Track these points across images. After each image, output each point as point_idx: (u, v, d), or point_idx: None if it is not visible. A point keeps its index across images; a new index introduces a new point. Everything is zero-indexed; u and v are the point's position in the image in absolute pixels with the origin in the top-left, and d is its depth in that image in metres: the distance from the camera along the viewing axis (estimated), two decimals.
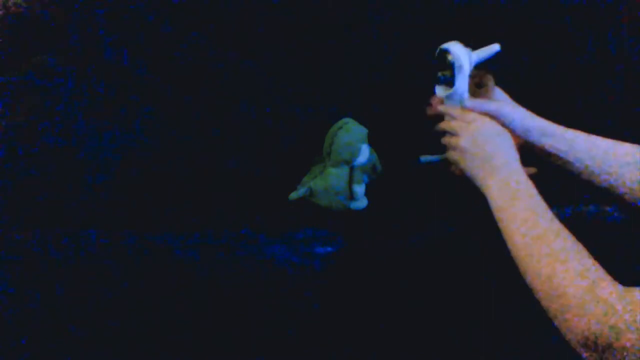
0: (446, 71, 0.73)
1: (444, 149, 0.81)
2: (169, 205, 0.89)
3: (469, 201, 0.81)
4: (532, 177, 0.78)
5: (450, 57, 0.72)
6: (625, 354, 0.48)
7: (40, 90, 0.92)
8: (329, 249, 0.84)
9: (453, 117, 0.73)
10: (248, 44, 0.94)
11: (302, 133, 0.93)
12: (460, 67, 0.72)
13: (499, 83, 0.76)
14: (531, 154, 0.75)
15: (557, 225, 0.61)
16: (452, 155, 0.72)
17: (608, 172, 0.70)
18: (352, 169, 0.75)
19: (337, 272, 0.85)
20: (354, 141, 0.76)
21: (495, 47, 0.74)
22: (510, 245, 0.62)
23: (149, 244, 0.84)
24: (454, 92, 0.73)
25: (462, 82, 0.73)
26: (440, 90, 0.77)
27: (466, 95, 0.74)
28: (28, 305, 0.83)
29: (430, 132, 0.77)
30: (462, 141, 0.70)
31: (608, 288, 0.52)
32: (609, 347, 0.49)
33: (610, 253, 0.80)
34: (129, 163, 0.92)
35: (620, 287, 0.53)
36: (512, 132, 0.73)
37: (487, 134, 0.69)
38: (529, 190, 0.65)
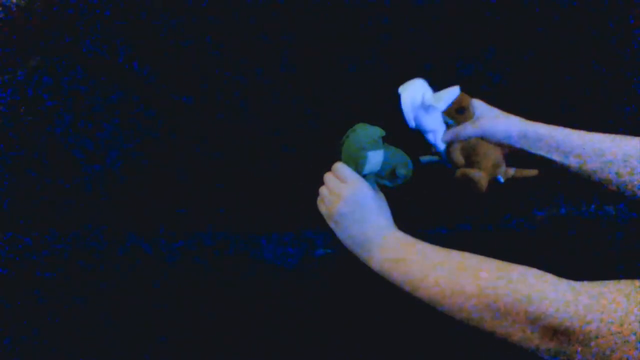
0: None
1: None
2: (169, 206, 0.89)
3: (469, 202, 0.81)
4: (532, 178, 0.78)
5: None
6: (591, 344, 0.47)
7: (40, 90, 0.92)
8: (329, 250, 0.84)
9: (325, 185, 0.72)
10: (253, 44, 0.94)
11: (303, 133, 0.93)
12: (407, 113, 0.73)
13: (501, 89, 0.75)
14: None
15: (450, 252, 0.61)
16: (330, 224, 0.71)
17: (609, 170, 0.67)
18: (364, 177, 0.72)
19: (337, 273, 0.85)
20: (357, 150, 0.71)
21: (454, 91, 0.72)
22: (428, 297, 0.60)
23: (148, 245, 0.84)
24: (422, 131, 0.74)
25: (425, 123, 0.74)
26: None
27: (438, 134, 0.74)
28: (28, 306, 0.83)
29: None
30: (334, 216, 0.68)
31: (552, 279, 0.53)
32: (572, 334, 0.49)
33: (610, 253, 0.81)
34: (129, 163, 0.92)
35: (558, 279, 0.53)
36: (501, 144, 0.71)
37: (354, 204, 0.67)
38: (410, 241, 0.64)
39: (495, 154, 0.75)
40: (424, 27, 0.94)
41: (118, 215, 0.88)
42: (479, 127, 0.71)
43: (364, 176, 0.71)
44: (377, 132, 0.73)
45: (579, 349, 0.49)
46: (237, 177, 0.91)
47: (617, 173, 0.66)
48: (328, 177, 0.72)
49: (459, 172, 0.77)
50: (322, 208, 0.71)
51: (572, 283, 0.52)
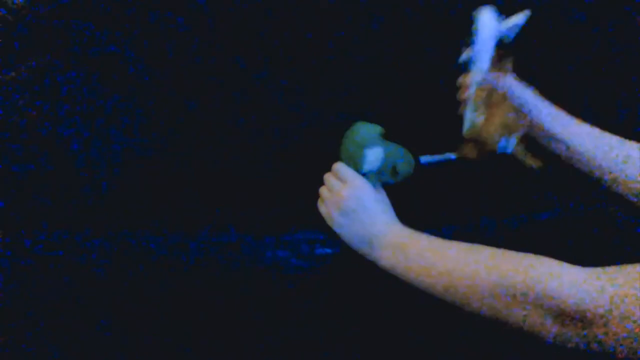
0: (471, 36, 0.74)
1: (444, 149, 0.81)
2: (168, 206, 0.89)
3: (470, 202, 0.81)
4: (534, 178, 0.78)
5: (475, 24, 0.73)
6: (606, 328, 0.47)
7: (40, 90, 0.92)
8: (329, 250, 0.84)
9: (325, 185, 0.72)
10: (252, 43, 0.94)
11: (304, 133, 0.93)
12: (477, 33, 0.73)
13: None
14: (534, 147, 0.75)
15: (460, 244, 0.61)
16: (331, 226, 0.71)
17: (609, 168, 0.69)
18: (364, 175, 0.72)
19: (337, 273, 0.85)
20: (356, 148, 0.71)
21: (522, 15, 0.73)
22: (439, 290, 0.60)
23: (149, 245, 0.84)
24: (472, 56, 0.74)
25: (480, 47, 0.73)
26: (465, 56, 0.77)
27: (485, 65, 0.74)
28: (27, 306, 0.83)
29: (433, 131, 0.77)
30: (336, 217, 0.68)
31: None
32: (587, 318, 0.48)
33: (610, 253, 0.81)
34: (129, 163, 0.92)
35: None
36: (521, 108, 0.73)
37: (355, 204, 0.67)
38: (416, 235, 0.65)
39: (512, 117, 0.74)
40: (425, 27, 0.94)
41: (119, 215, 0.88)
42: (507, 80, 0.73)
43: (364, 174, 0.71)
44: (375, 129, 0.73)
45: (597, 333, 0.48)
46: (237, 178, 0.91)
47: (621, 170, 0.68)
48: (328, 177, 0.72)
49: (458, 156, 0.77)
50: (323, 209, 0.71)
51: (586, 268, 0.51)
